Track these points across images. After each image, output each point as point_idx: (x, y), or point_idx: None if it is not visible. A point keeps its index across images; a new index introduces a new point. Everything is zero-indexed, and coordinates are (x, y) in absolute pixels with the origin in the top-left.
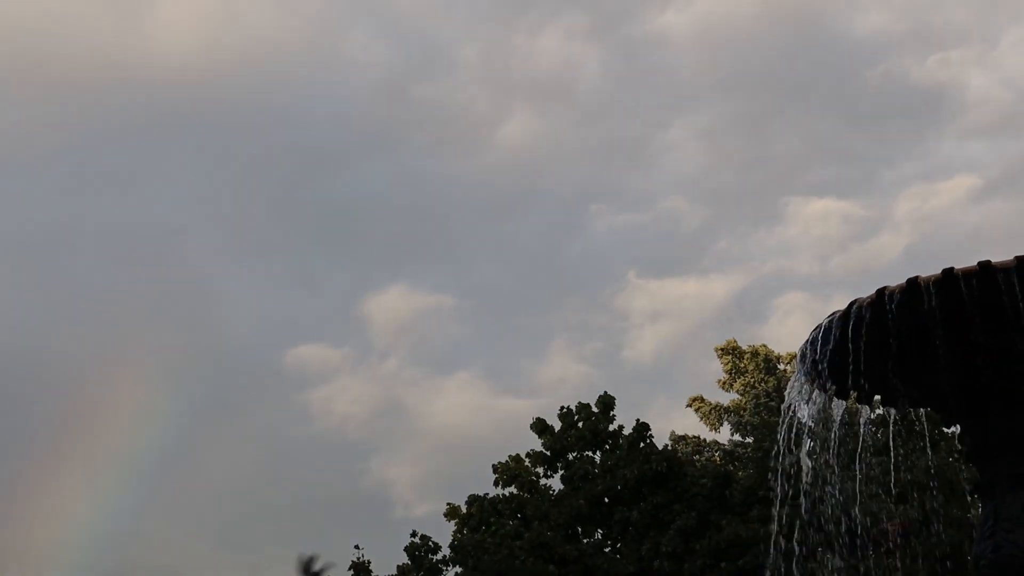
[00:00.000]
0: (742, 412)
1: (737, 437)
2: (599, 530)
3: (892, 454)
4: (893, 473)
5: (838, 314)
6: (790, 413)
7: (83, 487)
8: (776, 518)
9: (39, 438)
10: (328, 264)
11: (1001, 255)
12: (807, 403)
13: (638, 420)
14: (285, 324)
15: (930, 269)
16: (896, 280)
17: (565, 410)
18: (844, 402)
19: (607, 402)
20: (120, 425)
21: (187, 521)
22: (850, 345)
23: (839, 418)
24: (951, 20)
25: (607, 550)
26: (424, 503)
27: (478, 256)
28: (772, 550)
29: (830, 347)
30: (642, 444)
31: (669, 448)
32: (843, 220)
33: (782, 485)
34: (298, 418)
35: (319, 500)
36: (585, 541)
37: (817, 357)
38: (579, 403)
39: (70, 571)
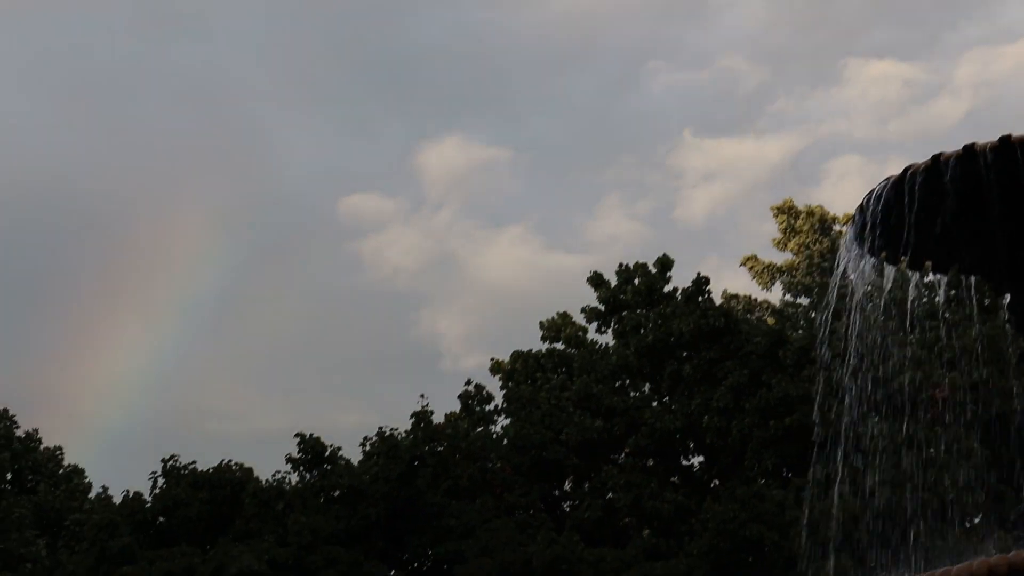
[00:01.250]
0: (795, 272)
1: (789, 297)
2: (647, 383)
3: (941, 321)
4: (944, 339)
5: (892, 179)
6: (839, 276)
7: (136, 328)
8: (820, 379)
9: (94, 278)
10: (383, 113)
11: None
12: (858, 267)
13: (698, 274)
14: (339, 172)
15: (990, 136)
16: (954, 147)
17: (623, 267)
18: (895, 267)
19: (665, 263)
20: (173, 268)
21: (238, 365)
22: (904, 210)
23: (890, 282)
24: None
25: (655, 404)
26: (473, 356)
27: (533, 110)
28: (816, 410)
29: (882, 211)
30: (700, 299)
31: (723, 306)
32: (903, 83)
33: (832, 346)
34: (349, 267)
35: (368, 349)
36: (633, 394)
37: (869, 222)
38: (637, 262)
39: (124, 410)
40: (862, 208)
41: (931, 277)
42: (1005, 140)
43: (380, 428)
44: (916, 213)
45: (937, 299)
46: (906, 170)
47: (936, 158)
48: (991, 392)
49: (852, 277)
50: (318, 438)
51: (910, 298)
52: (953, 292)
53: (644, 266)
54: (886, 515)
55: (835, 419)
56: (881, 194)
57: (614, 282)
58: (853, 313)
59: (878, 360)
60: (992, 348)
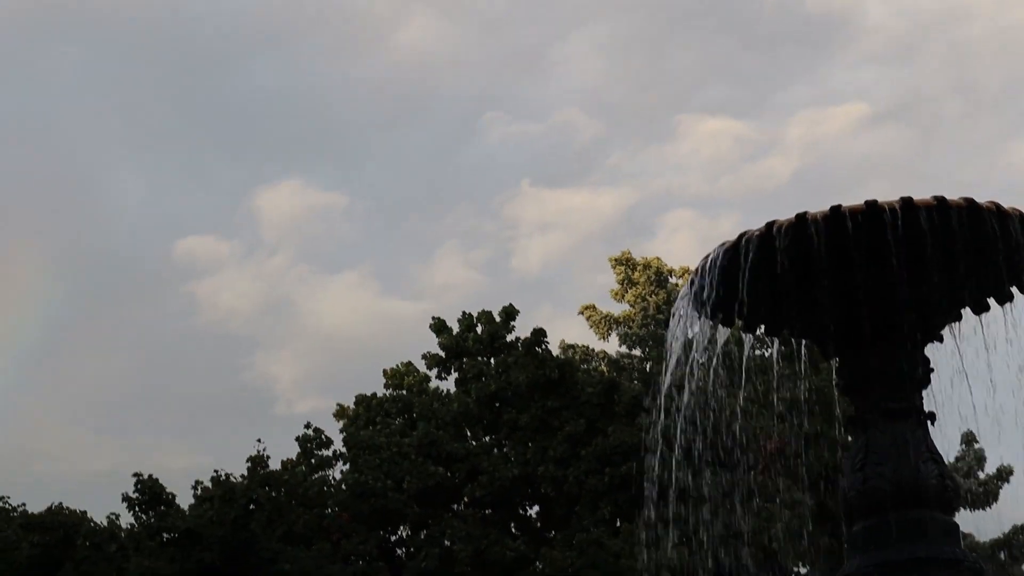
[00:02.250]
0: (631, 323)
1: (624, 348)
2: (487, 433)
3: (773, 375)
4: (775, 392)
5: (727, 244)
6: (674, 334)
7: None
8: (652, 430)
9: None
10: (220, 157)
11: (888, 184)
12: (693, 328)
13: (536, 327)
14: (174, 215)
15: (818, 194)
16: (782, 205)
17: (466, 315)
18: (728, 329)
19: (510, 313)
20: (3, 311)
21: (68, 407)
22: (738, 275)
23: (721, 341)
24: None
25: (494, 452)
26: (307, 400)
27: (372, 157)
28: (651, 457)
29: (718, 276)
30: (538, 349)
31: (561, 356)
32: (734, 140)
33: (665, 399)
34: (183, 310)
35: (201, 391)
36: (473, 443)
37: (705, 286)
38: (482, 310)
39: None
40: (698, 272)
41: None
42: (835, 210)
43: (216, 472)
44: (749, 278)
45: (768, 354)
46: (741, 236)
47: (770, 226)
48: (821, 444)
49: (687, 335)
50: (156, 479)
51: (745, 355)
52: (783, 348)
53: (489, 314)
54: (717, 565)
55: (664, 470)
56: (716, 259)
57: (456, 329)
58: (685, 367)
59: (709, 412)
60: (821, 401)
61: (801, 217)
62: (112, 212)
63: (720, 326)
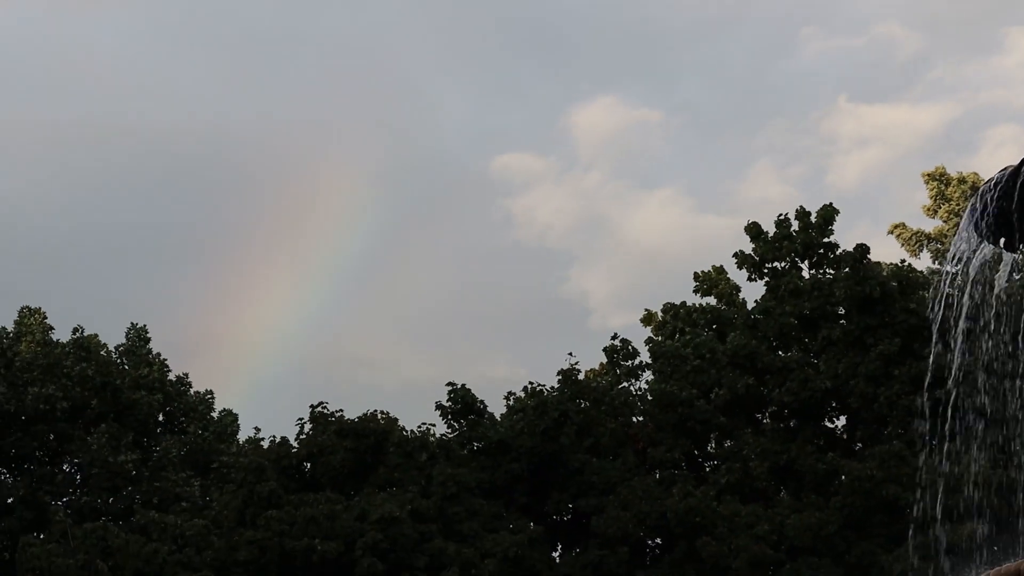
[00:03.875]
0: (944, 240)
1: (937, 265)
2: (801, 346)
3: None
4: None
5: (1010, 169)
6: (954, 264)
7: (289, 279)
8: (958, 351)
9: (248, 230)
10: (537, 75)
11: None
12: (975, 253)
13: (859, 243)
14: (492, 132)
15: None
16: None
17: (782, 217)
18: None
19: (828, 215)
20: (328, 221)
21: (388, 317)
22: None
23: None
24: None
25: (806, 367)
26: (621, 314)
27: (686, 73)
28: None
29: (998, 200)
30: (862, 262)
31: (880, 275)
32: None
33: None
34: (500, 225)
35: (517, 305)
36: (785, 354)
37: (987, 210)
38: (800, 207)
39: (275, 357)
40: (982, 195)
41: None
42: None
43: (529, 383)
44: None
45: None
46: (1023, 161)
47: None
48: None
49: (968, 258)
50: (468, 389)
51: None
52: None
53: (808, 214)
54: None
55: (976, 392)
56: (999, 182)
57: (772, 233)
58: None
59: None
60: None
61: None
62: (433, 127)
63: (1005, 251)
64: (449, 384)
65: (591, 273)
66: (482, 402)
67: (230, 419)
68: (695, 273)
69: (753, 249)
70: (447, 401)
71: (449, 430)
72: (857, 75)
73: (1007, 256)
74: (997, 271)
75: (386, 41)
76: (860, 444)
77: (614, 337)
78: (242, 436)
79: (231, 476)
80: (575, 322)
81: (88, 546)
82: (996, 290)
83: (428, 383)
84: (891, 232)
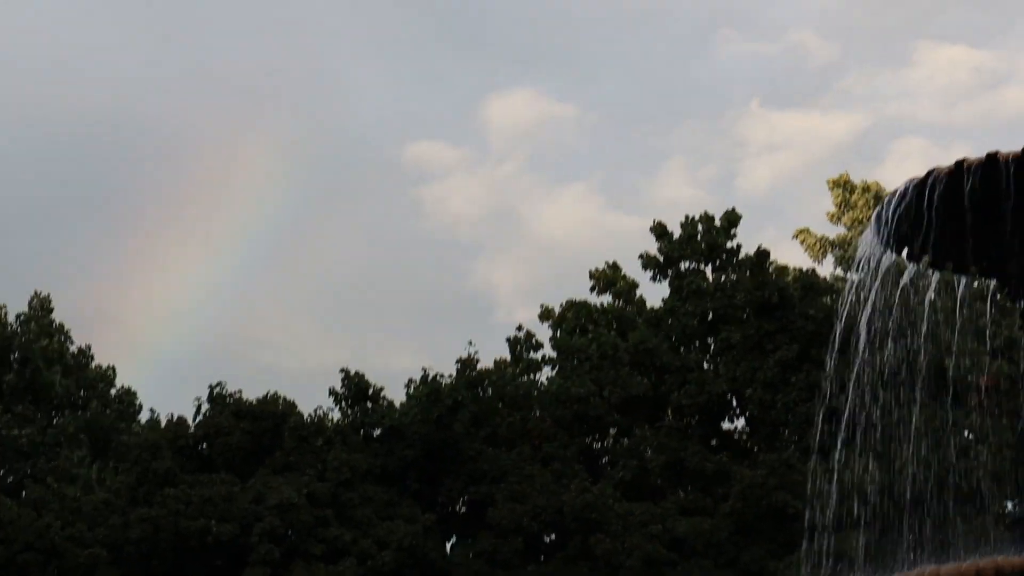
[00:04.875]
0: (847, 247)
1: (839, 271)
2: (700, 348)
3: (989, 310)
4: (989, 327)
5: (915, 180)
6: (858, 273)
7: (195, 256)
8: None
9: (156, 203)
10: (454, 63)
11: None
12: (879, 261)
13: (761, 248)
14: (407, 118)
15: None
16: (1019, 137)
17: (688, 219)
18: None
19: (732, 219)
20: (236, 199)
21: (294, 299)
22: (925, 212)
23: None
24: None
25: (705, 367)
26: (526, 308)
27: (603, 69)
28: (852, 394)
29: (903, 212)
30: (763, 267)
31: (783, 280)
32: (972, 69)
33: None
34: (410, 212)
35: (423, 294)
36: (686, 354)
37: (890, 221)
38: (704, 212)
39: (179, 335)
40: (886, 206)
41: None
42: None
43: (423, 369)
44: (936, 215)
45: (957, 296)
46: (929, 173)
47: (959, 164)
48: None
49: (872, 268)
50: (362, 375)
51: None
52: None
53: (712, 219)
54: (915, 495)
55: (870, 401)
56: (904, 194)
57: (677, 234)
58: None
59: (922, 344)
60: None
61: (992, 156)
62: (348, 111)
63: (907, 261)
64: (342, 371)
65: (498, 266)
66: (377, 388)
67: (130, 398)
68: (590, 271)
69: (658, 249)
70: (340, 387)
71: (342, 416)
72: (771, 80)
73: (910, 266)
74: (900, 281)
75: (307, 25)
76: (756, 448)
77: (519, 329)
78: (143, 417)
79: (128, 455)
80: (480, 315)
81: None
82: (897, 300)
83: (332, 368)
84: (796, 237)
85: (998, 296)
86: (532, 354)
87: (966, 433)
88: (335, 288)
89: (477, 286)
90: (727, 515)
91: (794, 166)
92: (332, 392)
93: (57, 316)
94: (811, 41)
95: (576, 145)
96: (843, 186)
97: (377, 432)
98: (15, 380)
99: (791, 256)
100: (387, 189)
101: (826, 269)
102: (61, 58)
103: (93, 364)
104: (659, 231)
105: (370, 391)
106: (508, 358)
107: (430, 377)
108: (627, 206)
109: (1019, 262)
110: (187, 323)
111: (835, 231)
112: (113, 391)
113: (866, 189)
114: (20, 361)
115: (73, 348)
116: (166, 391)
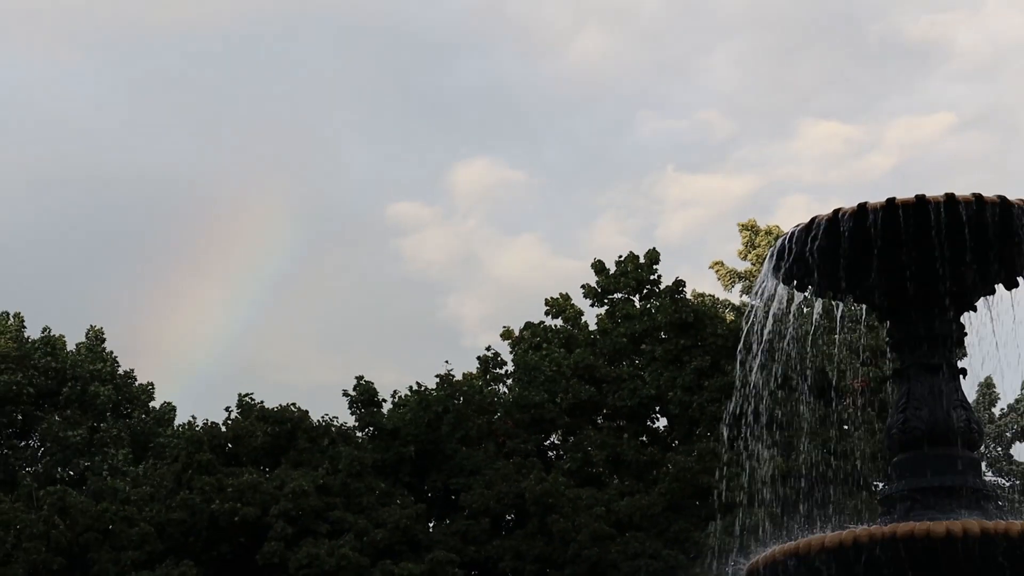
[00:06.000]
0: (751, 278)
1: (746, 299)
2: (631, 361)
3: (861, 327)
4: (862, 339)
5: (801, 226)
6: (759, 299)
7: (219, 294)
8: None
9: (187, 253)
10: (428, 137)
11: (971, 180)
12: (774, 292)
13: (677, 279)
14: (387, 182)
15: (911, 187)
16: (881, 194)
17: (621, 257)
18: (803, 294)
19: (653, 257)
20: (250, 248)
21: (300, 328)
22: (809, 251)
23: (795, 304)
24: None
25: (636, 377)
26: (488, 335)
27: (548, 141)
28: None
29: (792, 252)
30: (677, 295)
31: (695, 303)
32: (843, 140)
33: (760, 349)
34: (392, 259)
35: (403, 324)
36: (619, 367)
37: (782, 259)
38: (631, 252)
39: (205, 359)
40: (779, 247)
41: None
42: (891, 201)
43: (417, 383)
44: (819, 254)
45: (836, 317)
46: (813, 219)
47: (836, 211)
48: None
49: (770, 297)
50: (371, 383)
51: (840, 309)
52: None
53: (637, 257)
54: (807, 477)
55: (769, 401)
56: (793, 236)
57: (612, 270)
58: (786, 321)
59: (809, 356)
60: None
61: (862, 206)
62: (340, 176)
63: (796, 291)
64: (357, 377)
65: (464, 302)
66: (381, 398)
67: (169, 408)
68: (546, 299)
69: (597, 282)
70: (353, 390)
71: (352, 416)
72: (682, 150)
73: (798, 295)
74: (791, 306)
75: (305, 102)
76: (677, 441)
77: (488, 348)
78: (177, 422)
79: (167, 453)
80: (450, 341)
81: (49, 505)
82: (789, 321)
83: (331, 384)
84: (711, 267)
85: (867, 317)
86: (497, 369)
87: (844, 426)
88: (332, 319)
89: (447, 318)
90: (661, 495)
91: (704, 218)
92: (346, 394)
93: (108, 344)
94: (714, 118)
95: (526, 203)
96: (750, 229)
97: (372, 431)
98: (68, 392)
99: (707, 285)
100: (372, 240)
101: (736, 297)
102: (119, 133)
103: (137, 383)
104: (598, 267)
105: (375, 397)
106: (475, 372)
107: (418, 389)
108: (568, 252)
109: (884, 290)
110: (212, 348)
111: (743, 266)
112: (152, 403)
113: (768, 232)
114: (73, 378)
115: (120, 370)
116: (196, 403)
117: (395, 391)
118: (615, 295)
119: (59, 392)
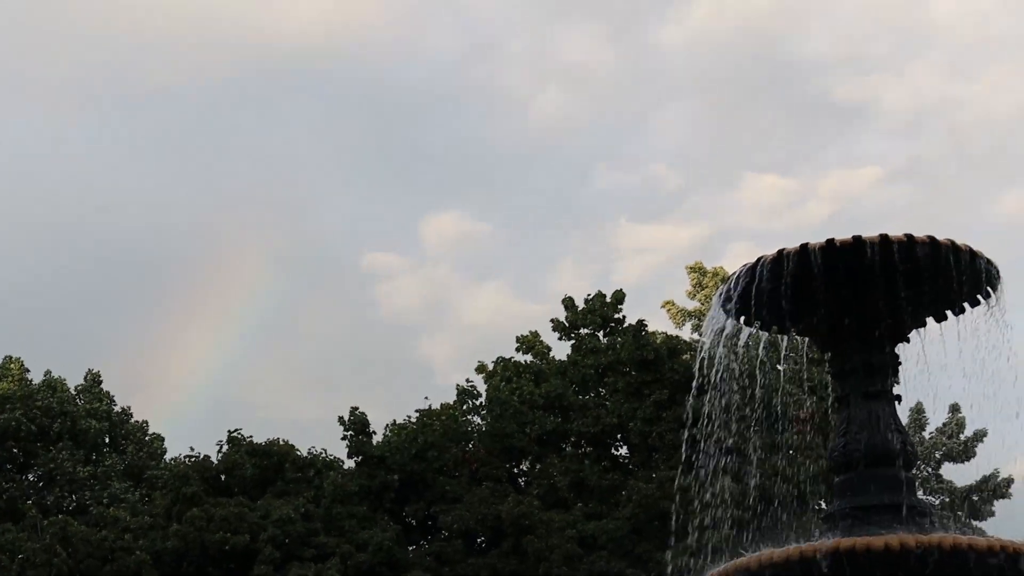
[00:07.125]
0: (701, 316)
1: (696, 336)
2: (595, 393)
3: (803, 358)
4: (804, 373)
5: (747, 265)
6: (709, 337)
7: (208, 336)
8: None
9: (179, 298)
10: (401, 191)
11: (898, 226)
12: (723, 327)
13: (640, 319)
14: (363, 233)
15: (842, 232)
16: (817, 238)
17: (590, 296)
18: (750, 328)
19: (619, 297)
20: (237, 294)
21: (284, 368)
22: (754, 289)
23: (744, 339)
24: (873, 50)
25: (599, 407)
26: (458, 374)
27: (512, 194)
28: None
29: (741, 288)
30: (642, 333)
31: (656, 342)
32: (781, 191)
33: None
34: (368, 304)
35: (379, 364)
36: (589, 396)
37: (729, 296)
38: (599, 291)
39: (197, 396)
40: (728, 285)
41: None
42: (830, 242)
43: (407, 416)
44: (764, 291)
45: (781, 351)
46: (758, 260)
47: (780, 251)
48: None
49: (719, 332)
50: (364, 414)
51: (785, 343)
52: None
53: (603, 296)
54: (758, 500)
55: (721, 431)
56: (740, 275)
57: (581, 307)
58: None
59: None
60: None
61: (804, 246)
62: (319, 228)
63: (744, 326)
64: (352, 407)
65: (436, 343)
66: (372, 430)
67: (159, 442)
68: (516, 336)
69: (566, 317)
70: (349, 417)
71: (344, 443)
72: (635, 201)
73: (745, 330)
74: (739, 341)
75: (290, 160)
76: (638, 468)
77: (467, 381)
78: (168, 456)
79: (159, 484)
80: (424, 379)
81: (51, 535)
82: (738, 355)
83: (312, 419)
84: (663, 307)
85: (810, 350)
86: (473, 400)
87: (791, 452)
88: (313, 360)
89: (420, 358)
90: (626, 519)
91: (656, 264)
92: (341, 421)
93: (105, 385)
94: (664, 171)
95: (492, 252)
96: (698, 271)
97: (363, 459)
98: (59, 427)
99: (660, 324)
100: (350, 287)
101: (686, 334)
102: (115, 188)
103: (132, 420)
104: (568, 303)
105: (367, 427)
106: (452, 403)
107: (405, 423)
108: (531, 297)
109: (825, 324)
110: (202, 387)
111: (692, 304)
112: (146, 438)
113: (715, 273)
114: (62, 414)
115: (117, 408)
116: (188, 437)
117: (393, 420)
118: (582, 330)
119: (57, 429)
